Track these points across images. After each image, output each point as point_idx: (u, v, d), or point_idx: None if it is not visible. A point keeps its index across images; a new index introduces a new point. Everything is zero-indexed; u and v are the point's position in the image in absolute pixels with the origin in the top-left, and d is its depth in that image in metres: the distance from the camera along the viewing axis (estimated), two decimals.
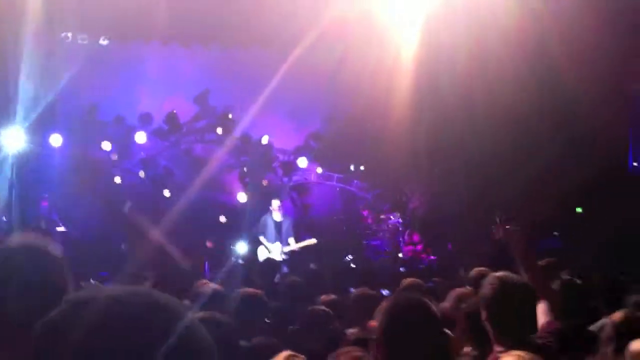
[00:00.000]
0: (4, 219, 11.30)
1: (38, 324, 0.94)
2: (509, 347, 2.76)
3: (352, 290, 6.81)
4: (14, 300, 1.82)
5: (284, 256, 11.27)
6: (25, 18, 10.94)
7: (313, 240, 11.57)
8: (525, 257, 3.42)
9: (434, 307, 2.68)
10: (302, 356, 3.28)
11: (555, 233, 12.23)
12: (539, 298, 3.26)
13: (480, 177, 12.15)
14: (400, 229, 12.96)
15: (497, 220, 3.50)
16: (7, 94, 11.35)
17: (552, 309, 3.37)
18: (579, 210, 13.02)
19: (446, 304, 4.21)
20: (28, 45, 11.24)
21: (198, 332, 0.96)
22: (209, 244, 12.35)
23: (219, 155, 13.29)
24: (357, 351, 2.75)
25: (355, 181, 13.96)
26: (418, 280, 5.13)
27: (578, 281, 4.83)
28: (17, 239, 2.06)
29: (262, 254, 11.20)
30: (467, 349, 3.42)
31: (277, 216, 11.59)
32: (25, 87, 11.39)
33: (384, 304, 2.67)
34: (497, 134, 11.82)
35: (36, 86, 11.54)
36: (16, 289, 1.84)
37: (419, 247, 12.65)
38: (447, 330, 3.04)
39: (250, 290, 4.98)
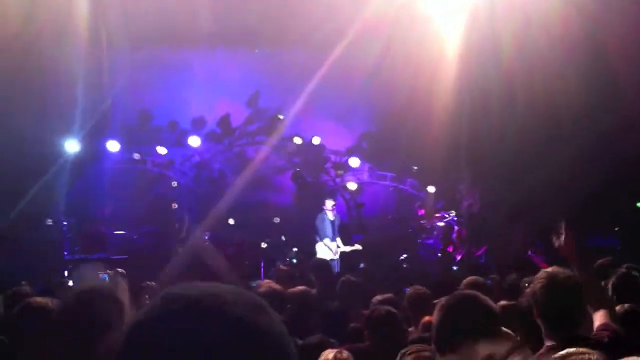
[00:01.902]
0: (64, 223, 11.62)
1: (131, 319, 0.94)
2: (560, 342, 2.71)
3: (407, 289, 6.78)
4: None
5: (336, 256, 11.33)
6: (76, 28, 11.23)
7: (358, 247, 11.62)
8: (579, 261, 3.30)
9: (492, 303, 2.63)
10: (348, 353, 3.27)
11: (616, 229, 11.90)
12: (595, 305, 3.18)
13: (521, 174, 11.91)
14: (456, 227, 12.79)
15: (559, 227, 3.37)
16: (65, 101, 11.67)
17: (607, 314, 3.26)
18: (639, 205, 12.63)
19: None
20: (83, 53, 11.54)
21: (284, 334, 0.96)
22: (263, 245, 12.43)
23: (271, 157, 13.41)
24: (425, 350, 2.72)
25: (409, 180, 13.85)
26: (479, 278, 5.02)
27: (635, 274, 4.65)
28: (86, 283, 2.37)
29: (321, 252, 11.24)
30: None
31: (330, 215, 11.63)
32: (83, 94, 11.69)
33: (441, 301, 2.63)
34: (540, 129, 11.58)
35: (93, 93, 11.84)
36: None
37: (472, 246, 12.46)
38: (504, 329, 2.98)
39: (302, 288, 5.00)
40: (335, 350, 2.97)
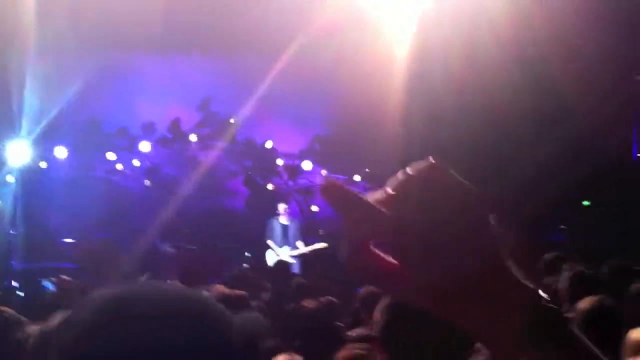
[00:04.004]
0: (11, 232, 11.38)
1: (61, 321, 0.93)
2: None
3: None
4: None
5: (292, 260, 11.26)
6: (26, 31, 11.02)
7: (324, 244, 11.54)
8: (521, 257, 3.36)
9: None
10: (299, 357, 3.28)
11: (562, 227, 12.21)
12: None
13: (476, 175, 12.10)
14: None
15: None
16: (11, 107, 11.44)
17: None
18: (586, 203, 12.99)
19: None
20: (31, 58, 11.33)
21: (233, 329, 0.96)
22: (216, 250, 12.36)
23: (223, 161, 13.35)
24: (359, 348, 2.74)
25: (362, 182, 13.95)
26: None
27: (586, 271, 4.80)
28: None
29: (270, 258, 11.20)
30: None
31: (283, 220, 11.59)
32: (30, 100, 11.48)
33: (385, 301, 2.66)
34: (492, 132, 11.81)
35: (40, 99, 11.64)
36: None
37: None
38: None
39: (240, 293, 4.97)
40: (286, 355, 2.98)
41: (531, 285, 0.73)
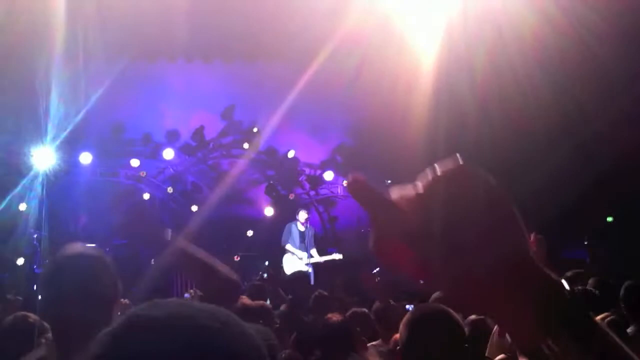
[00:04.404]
0: (35, 236, 11.49)
1: (100, 334, 0.93)
2: None
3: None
4: (69, 304, 1.91)
5: (308, 267, 11.23)
6: (52, 39, 11.16)
7: (339, 256, 11.49)
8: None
9: (458, 319, 2.65)
10: None
11: (586, 242, 12.06)
12: None
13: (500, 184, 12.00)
14: None
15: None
16: (38, 112, 11.58)
17: None
18: (609, 219, 12.82)
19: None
20: (57, 65, 11.47)
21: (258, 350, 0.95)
22: (236, 258, 12.38)
23: (246, 170, 13.40)
24: None
25: None
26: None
27: (595, 292, 4.75)
28: (72, 248, 2.15)
29: (287, 263, 11.17)
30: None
31: (300, 226, 11.58)
32: (56, 106, 11.62)
33: (407, 316, 2.64)
34: (515, 141, 11.73)
35: (66, 105, 11.77)
36: (73, 294, 1.92)
37: None
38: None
39: (261, 303, 4.96)
40: None
41: (554, 277, 0.76)
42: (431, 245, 0.74)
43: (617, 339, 0.73)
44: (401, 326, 2.59)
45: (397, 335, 4.12)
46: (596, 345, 0.71)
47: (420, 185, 0.80)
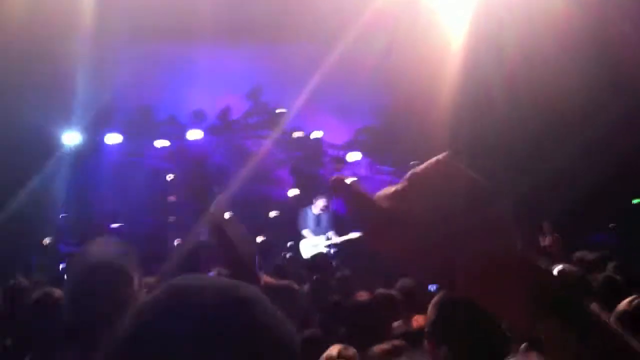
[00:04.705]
0: (62, 216, 11.64)
1: (135, 306, 0.96)
2: None
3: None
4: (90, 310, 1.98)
5: (327, 249, 11.20)
6: (79, 21, 11.24)
7: (356, 234, 11.42)
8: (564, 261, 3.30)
9: None
10: (353, 349, 3.28)
11: (611, 225, 11.92)
12: None
13: (525, 171, 11.91)
14: None
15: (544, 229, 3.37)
16: (65, 94, 11.70)
17: None
18: (636, 201, 12.65)
19: None
20: (84, 47, 11.56)
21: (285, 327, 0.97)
22: (259, 239, 12.44)
23: (271, 150, 13.42)
24: (397, 342, 2.72)
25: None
26: None
27: (617, 277, 4.69)
28: (95, 249, 2.20)
29: (305, 248, 11.16)
30: None
31: (316, 209, 11.50)
32: (83, 87, 11.73)
33: (436, 297, 2.62)
34: (543, 122, 11.59)
35: (93, 87, 11.88)
36: (96, 301, 1.99)
37: None
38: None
39: (285, 283, 4.98)
40: (340, 346, 2.97)
41: (542, 266, 0.79)
42: (406, 235, 0.80)
43: (610, 324, 0.77)
44: (430, 307, 2.58)
45: (417, 317, 4.12)
46: (587, 329, 0.74)
47: (404, 180, 0.86)
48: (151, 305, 0.94)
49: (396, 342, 2.80)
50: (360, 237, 11.17)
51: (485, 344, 2.48)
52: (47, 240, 11.48)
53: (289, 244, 12.13)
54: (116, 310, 1.99)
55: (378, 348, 2.71)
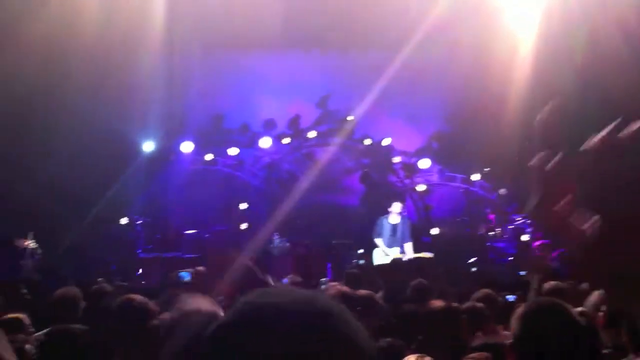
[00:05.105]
0: (138, 222, 11.94)
1: (212, 324, 0.98)
2: None
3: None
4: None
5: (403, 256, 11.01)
6: (152, 33, 11.57)
7: (429, 254, 11.12)
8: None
9: (574, 312, 2.55)
10: (429, 358, 3.24)
11: None
12: None
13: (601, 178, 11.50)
14: (527, 230, 12.45)
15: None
16: (140, 105, 12.04)
17: None
18: None
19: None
20: (159, 58, 11.89)
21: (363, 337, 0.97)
22: (330, 246, 12.45)
23: (341, 158, 13.46)
24: (483, 355, 2.68)
25: (479, 181, 13.61)
26: (560, 284, 4.75)
27: None
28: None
29: (377, 257, 11.01)
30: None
31: (393, 219, 11.26)
32: (158, 98, 12.05)
33: (521, 309, 2.57)
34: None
35: (168, 97, 12.20)
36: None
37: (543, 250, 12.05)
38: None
39: (367, 292, 4.96)
40: (417, 355, 2.95)
41: None
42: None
43: None
44: (514, 319, 2.53)
45: (494, 328, 4.03)
46: None
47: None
48: (232, 324, 0.95)
49: (482, 354, 2.75)
50: (432, 258, 10.92)
51: (572, 357, 2.41)
52: (124, 246, 11.81)
53: (359, 251, 12.09)
54: None
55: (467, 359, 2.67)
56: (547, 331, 2.40)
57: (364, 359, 0.94)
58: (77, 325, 3.36)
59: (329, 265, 11.76)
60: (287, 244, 11.90)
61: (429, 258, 10.79)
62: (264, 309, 0.94)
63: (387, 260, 10.58)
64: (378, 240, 11.06)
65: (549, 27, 11.61)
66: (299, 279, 7.01)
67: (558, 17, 11.42)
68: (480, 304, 4.62)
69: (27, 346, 3.47)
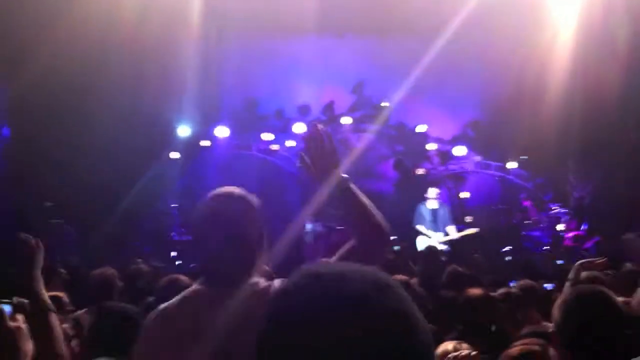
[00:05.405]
0: (174, 206, 12.07)
1: (275, 291, 0.99)
2: None
3: (512, 283, 6.59)
4: (216, 246, 2.11)
5: (443, 246, 10.97)
6: (188, 20, 11.65)
7: (475, 230, 11.16)
8: None
9: (617, 300, 2.52)
10: (467, 345, 3.22)
11: None
12: None
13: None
14: (563, 219, 12.29)
15: None
16: (178, 90, 12.15)
17: None
18: None
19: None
20: (195, 44, 11.96)
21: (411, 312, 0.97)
22: None
23: (375, 145, 13.42)
24: (535, 342, 2.65)
25: (515, 169, 13.45)
26: (596, 273, 4.71)
27: None
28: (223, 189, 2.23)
29: (421, 243, 11.01)
30: None
31: (432, 204, 11.30)
32: (193, 83, 12.14)
33: (563, 297, 2.54)
34: None
35: (203, 82, 12.27)
36: (221, 237, 2.11)
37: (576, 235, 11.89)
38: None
39: (404, 278, 4.95)
40: (454, 342, 2.93)
41: None
42: None
43: None
44: (556, 307, 2.51)
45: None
46: None
47: None
48: (292, 292, 0.96)
49: (534, 340, 2.73)
50: (477, 232, 10.96)
51: (616, 345, 2.38)
52: (160, 230, 11.96)
53: (392, 238, 12.05)
54: (240, 248, 2.04)
55: (519, 347, 2.65)
56: (591, 318, 2.37)
57: (421, 334, 0.95)
58: (127, 305, 3.43)
59: None
60: (321, 230, 11.92)
61: (475, 234, 10.86)
62: (323, 276, 0.95)
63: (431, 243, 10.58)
64: (419, 227, 11.08)
65: (590, 15, 11.40)
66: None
67: (600, 4, 11.21)
68: (517, 291, 4.60)
69: (65, 325, 3.54)
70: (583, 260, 4.41)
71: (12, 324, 1.65)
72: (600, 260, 4.33)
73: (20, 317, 1.69)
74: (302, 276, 0.97)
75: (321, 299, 0.92)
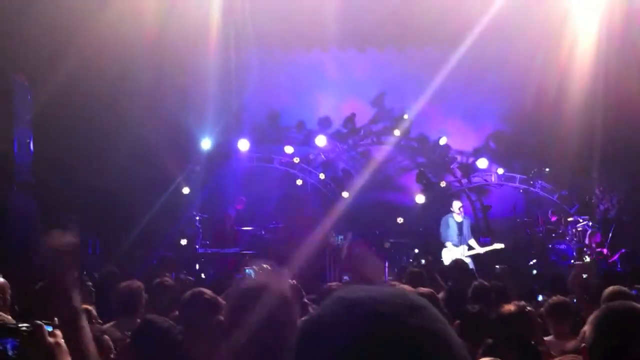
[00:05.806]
0: (197, 218, 12.12)
1: (306, 318, 0.98)
2: None
3: (540, 297, 6.52)
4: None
5: (468, 259, 10.86)
6: (209, 33, 11.74)
7: (501, 245, 11.08)
8: None
9: None
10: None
11: None
12: None
13: None
14: (589, 232, 12.13)
15: None
16: (200, 103, 12.23)
17: None
18: None
19: None
20: (216, 57, 12.05)
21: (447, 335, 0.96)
22: (386, 245, 12.39)
23: (396, 157, 13.40)
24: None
25: (539, 182, 13.31)
26: (622, 288, 4.64)
27: None
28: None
29: (446, 256, 10.94)
30: None
31: (458, 217, 11.24)
32: (215, 96, 12.22)
33: (596, 313, 2.49)
34: None
35: (225, 95, 12.35)
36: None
37: (605, 251, 11.72)
38: None
39: (429, 290, 4.91)
40: (489, 358, 2.91)
41: None
42: None
43: None
44: (588, 324, 2.46)
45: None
46: None
47: None
48: (326, 318, 0.96)
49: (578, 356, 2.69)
50: (503, 247, 10.88)
51: None
52: (184, 242, 12.00)
53: (415, 250, 12.01)
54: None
55: None
56: (626, 341, 2.32)
57: (455, 353, 0.94)
58: (164, 318, 3.45)
59: (386, 264, 11.70)
60: (344, 243, 11.90)
61: (501, 249, 10.81)
62: (357, 302, 0.95)
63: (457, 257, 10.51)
64: (448, 243, 11.04)
65: (611, 23, 11.31)
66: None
67: (621, 13, 11.12)
68: (548, 306, 4.55)
69: (105, 336, 3.57)
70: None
71: (50, 339, 1.70)
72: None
73: (58, 332, 1.73)
74: (334, 302, 0.97)
75: (357, 326, 0.91)
